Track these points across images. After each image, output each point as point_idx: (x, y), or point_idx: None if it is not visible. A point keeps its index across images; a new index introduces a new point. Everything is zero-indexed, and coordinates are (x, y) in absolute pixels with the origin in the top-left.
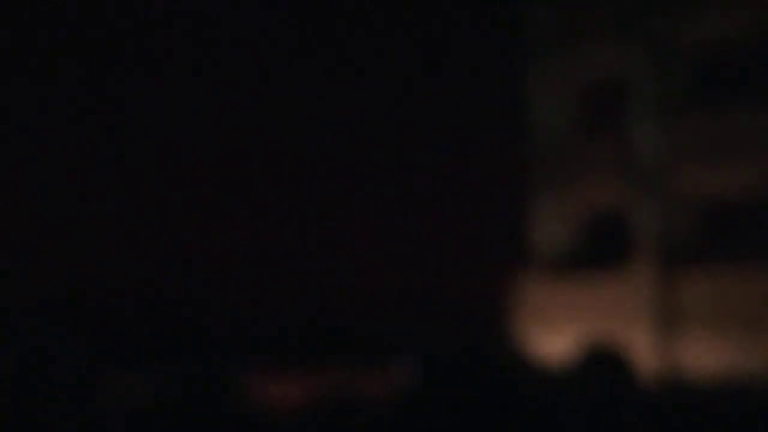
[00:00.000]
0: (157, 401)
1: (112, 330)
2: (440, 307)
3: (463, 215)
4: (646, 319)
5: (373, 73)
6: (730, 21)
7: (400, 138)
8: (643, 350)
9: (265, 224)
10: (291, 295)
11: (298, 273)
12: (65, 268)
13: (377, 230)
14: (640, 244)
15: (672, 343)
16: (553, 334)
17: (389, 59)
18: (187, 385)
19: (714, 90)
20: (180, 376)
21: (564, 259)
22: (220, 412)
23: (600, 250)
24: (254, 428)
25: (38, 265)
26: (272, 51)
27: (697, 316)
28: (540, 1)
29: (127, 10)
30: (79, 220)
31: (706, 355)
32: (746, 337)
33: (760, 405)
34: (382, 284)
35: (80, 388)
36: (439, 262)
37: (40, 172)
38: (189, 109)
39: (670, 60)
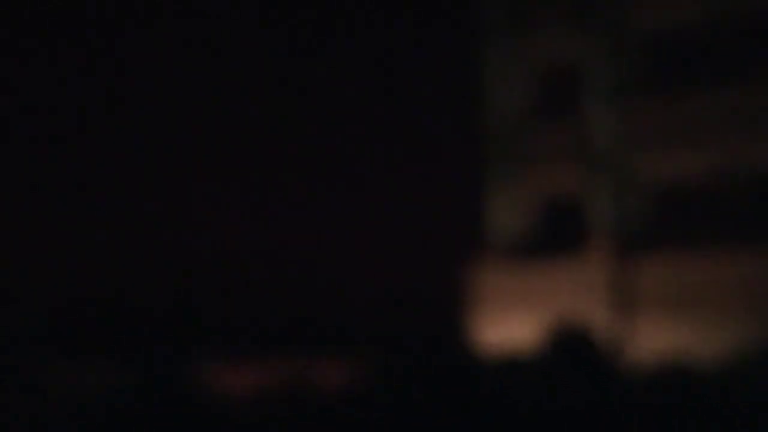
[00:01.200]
0: (115, 390)
1: (73, 321)
2: (397, 295)
3: (419, 202)
4: (603, 304)
5: (328, 60)
6: (685, 6)
7: (353, 123)
8: (600, 333)
9: (226, 218)
10: (251, 285)
11: (258, 264)
12: (20, 263)
13: (332, 220)
14: (596, 229)
15: (628, 327)
16: (511, 320)
17: (341, 46)
18: (145, 374)
19: (669, 75)
20: (138, 365)
21: (521, 245)
22: (176, 400)
23: (557, 236)
24: (210, 416)
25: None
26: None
27: (652, 301)
28: None
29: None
30: (39, 215)
31: (661, 339)
32: (701, 320)
33: (711, 386)
34: (338, 273)
35: (30, 378)
36: (396, 250)
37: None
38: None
39: (625, 45)
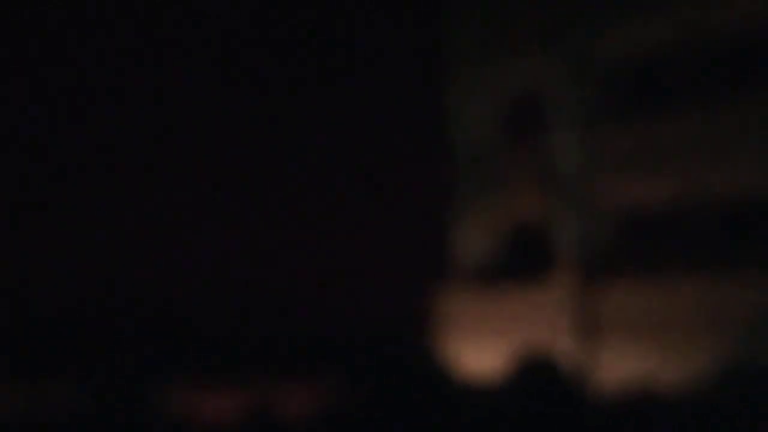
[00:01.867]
0: (72, 414)
1: (25, 336)
2: (364, 319)
3: (386, 228)
4: (568, 329)
5: (294, 88)
6: (648, 33)
7: (322, 149)
8: (565, 360)
9: (187, 235)
10: (220, 308)
11: (227, 285)
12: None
13: (301, 243)
14: (561, 255)
15: (593, 353)
16: (476, 345)
17: (308, 72)
18: (103, 397)
19: (632, 102)
20: (97, 387)
21: (486, 271)
22: (133, 426)
23: (522, 261)
24: None
25: None
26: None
27: (617, 326)
28: (461, 16)
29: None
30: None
31: (625, 365)
32: (664, 346)
33: (676, 413)
34: (306, 297)
35: None
36: (362, 274)
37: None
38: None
39: (588, 73)
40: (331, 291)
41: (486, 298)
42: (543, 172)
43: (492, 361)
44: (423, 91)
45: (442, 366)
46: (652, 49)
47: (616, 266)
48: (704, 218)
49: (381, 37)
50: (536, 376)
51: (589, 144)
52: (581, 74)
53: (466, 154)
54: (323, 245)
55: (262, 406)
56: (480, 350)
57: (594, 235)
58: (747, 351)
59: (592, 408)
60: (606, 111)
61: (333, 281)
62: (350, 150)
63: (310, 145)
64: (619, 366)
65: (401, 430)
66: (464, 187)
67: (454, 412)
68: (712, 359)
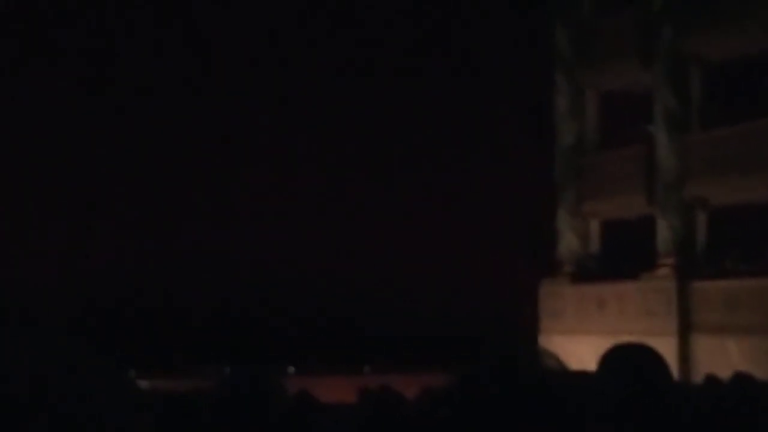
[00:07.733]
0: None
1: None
2: (466, 311)
3: (494, 225)
4: (666, 325)
5: (408, 94)
6: (748, 39)
7: (435, 152)
8: (667, 357)
9: (297, 235)
10: (333, 304)
11: (339, 284)
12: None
13: (418, 246)
14: (660, 253)
15: (690, 350)
16: (578, 343)
17: (428, 80)
18: (243, 384)
19: (730, 103)
20: (236, 376)
21: (588, 267)
22: (270, 410)
23: (622, 260)
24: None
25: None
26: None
27: (713, 322)
28: (563, 19)
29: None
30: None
31: (719, 361)
32: (756, 343)
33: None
34: (420, 295)
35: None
36: (468, 268)
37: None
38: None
39: (689, 76)
40: (439, 283)
41: (587, 295)
42: (644, 172)
43: (591, 356)
44: (530, 93)
45: (544, 359)
46: (747, 55)
47: (712, 263)
48: None
49: (493, 45)
50: (631, 367)
51: (686, 144)
52: (681, 78)
53: (570, 154)
54: (434, 240)
55: (379, 388)
56: (580, 347)
57: (691, 234)
58: None
59: (688, 400)
60: (702, 113)
61: (445, 282)
62: (462, 153)
63: (425, 145)
64: (713, 363)
65: (505, 418)
66: (567, 188)
67: (554, 401)
68: None
